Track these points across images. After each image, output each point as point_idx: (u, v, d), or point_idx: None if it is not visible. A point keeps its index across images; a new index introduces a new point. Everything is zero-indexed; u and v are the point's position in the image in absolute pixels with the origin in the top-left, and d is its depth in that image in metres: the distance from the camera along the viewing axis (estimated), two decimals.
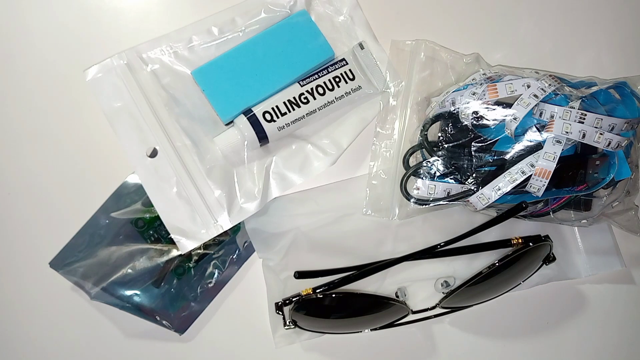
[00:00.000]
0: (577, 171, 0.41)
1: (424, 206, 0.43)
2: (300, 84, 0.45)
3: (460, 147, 0.42)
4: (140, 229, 0.45)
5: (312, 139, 0.46)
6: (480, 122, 0.41)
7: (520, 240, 0.43)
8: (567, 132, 0.39)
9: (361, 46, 0.46)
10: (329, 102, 0.45)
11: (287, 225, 0.46)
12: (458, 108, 0.42)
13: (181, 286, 0.45)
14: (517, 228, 0.46)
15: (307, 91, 0.45)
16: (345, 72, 0.46)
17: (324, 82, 0.45)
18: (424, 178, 0.42)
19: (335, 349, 0.46)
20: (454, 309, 0.46)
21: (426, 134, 0.43)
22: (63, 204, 0.46)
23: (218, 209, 0.43)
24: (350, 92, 0.46)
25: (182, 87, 0.45)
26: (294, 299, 0.42)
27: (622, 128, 0.40)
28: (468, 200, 0.42)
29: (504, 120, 0.41)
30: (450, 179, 0.42)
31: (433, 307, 0.44)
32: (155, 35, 0.45)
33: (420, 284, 0.46)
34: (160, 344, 0.45)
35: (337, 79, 0.45)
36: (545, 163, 0.39)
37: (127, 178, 0.45)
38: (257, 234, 0.45)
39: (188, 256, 0.45)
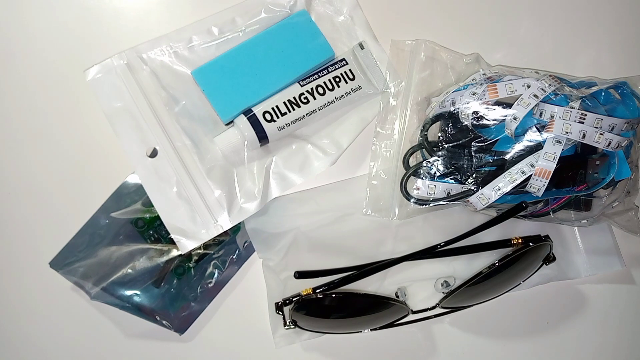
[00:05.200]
0: (577, 171, 0.41)
1: (424, 206, 0.43)
2: (300, 84, 0.45)
3: (460, 147, 0.42)
4: (140, 229, 0.45)
5: (312, 139, 0.46)
6: (480, 122, 0.41)
7: (520, 240, 0.43)
8: (567, 132, 0.39)
9: (361, 46, 0.46)
10: (329, 102, 0.45)
11: (287, 225, 0.46)
12: (458, 108, 0.42)
13: (181, 286, 0.45)
14: (517, 228, 0.46)
15: (307, 91, 0.45)
16: (345, 72, 0.46)
17: (324, 82, 0.45)
18: (424, 178, 0.42)
19: (335, 349, 0.46)
20: (454, 309, 0.46)
21: (426, 134, 0.43)
22: (63, 204, 0.46)
23: (218, 209, 0.43)
24: (350, 92, 0.46)
25: (182, 87, 0.45)
26: (294, 299, 0.42)
27: (622, 128, 0.40)
28: (468, 200, 0.42)
29: (504, 120, 0.41)
30: (450, 179, 0.42)
31: (433, 307, 0.44)
32: (155, 35, 0.45)
33: (420, 284, 0.46)
34: (160, 344, 0.45)
35: (337, 79, 0.45)
36: (545, 163, 0.39)
37: (127, 178, 0.45)
38: (257, 234, 0.45)
39: (188, 256, 0.45)
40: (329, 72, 0.45)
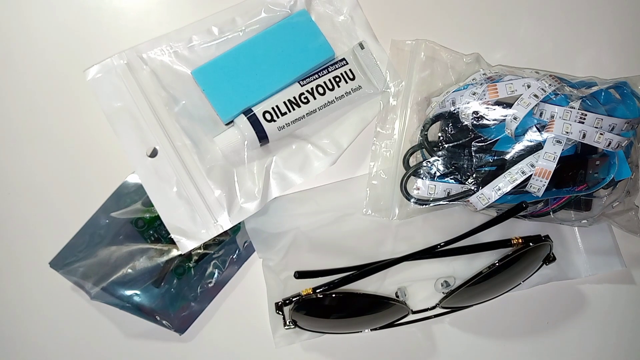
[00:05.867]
0: (577, 171, 0.41)
1: (424, 206, 0.43)
2: (300, 84, 0.45)
3: (461, 147, 0.42)
4: (140, 229, 0.45)
5: (312, 139, 0.46)
6: (480, 122, 0.41)
7: (520, 240, 0.43)
8: (567, 132, 0.39)
9: (361, 46, 0.46)
10: (329, 102, 0.45)
11: (287, 225, 0.46)
12: (458, 108, 0.42)
13: (181, 286, 0.45)
14: (517, 228, 0.46)
15: (307, 91, 0.45)
16: (345, 72, 0.46)
17: (324, 82, 0.45)
18: (424, 178, 0.42)
19: (335, 349, 0.46)
20: (454, 309, 0.46)
21: (426, 134, 0.43)
22: (63, 204, 0.46)
23: (218, 209, 0.43)
24: (350, 92, 0.46)
25: (182, 87, 0.45)
26: (294, 299, 0.42)
27: (623, 128, 0.40)
28: (468, 200, 0.42)
29: (504, 120, 0.41)
30: (451, 179, 0.42)
31: (433, 307, 0.44)
32: (155, 35, 0.45)
33: (420, 284, 0.46)
34: (160, 344, 0.45)
35: (337, 79, 0.45)
36: (545, 163, 0.39)
37: (127, 178, 0.45)
38: (257, 234, 0.45)
39: (188, 256, 0.45)
40: (329, 72, 0.45)
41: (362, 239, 0.46)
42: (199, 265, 0.45)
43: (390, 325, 0.45)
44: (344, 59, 0.46)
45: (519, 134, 0.40)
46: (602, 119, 0.39)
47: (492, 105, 0.41)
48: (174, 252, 0.45)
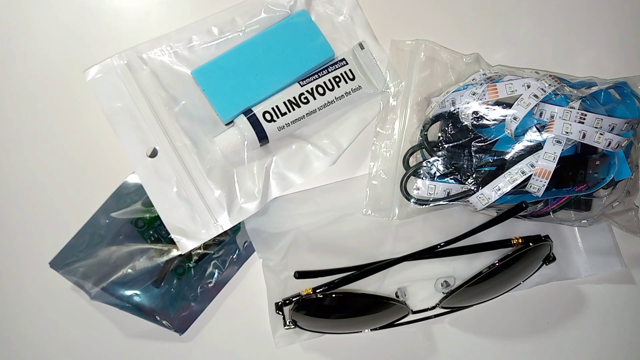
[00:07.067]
0: (577, 171, 0.41)
1: (424, 206, 0.43)
2: (300, 84, 0.45)
3: (460, 147, 0.42)
4: (140, 229, 0.45)
5: (312, 139, 0.46)
6: (480, 122, 0.41)
7: (520, 240, 0.43)
8: (567, 132, 0.39)
9: (361, 46, 0.46)
10: (329, 102, 0.45)
11: (287, 225, 0.46)
12: (458, 108, 0.42)
13: (181, 286, 0.45)
14: (517, 228, 0.46)
15: (307, 91, 0.45)
16: (345, 72, 0.46)
17: (324, 82, 0.45)
18: (424, 178, 0.42)
19: (335, 349, 0.46)
20: (454, 309, 0.46)
21: (426, 134, 0.43)
22: (63, 204, 0.46)
23: (218, 209, 0.43)
24: (350, 92, 0.46)
25: (182, 87, 0.45)
26: (294, 299, 0.42)
27: (622, 128, 0.40)
28: (468, 201, 0.42)
29: (504, 120, 0.41)
30: (450, 179, 0.42)
31: (433, 307, 0.44)
32: (155, 35, 0.45)
33: (420, 284, 0.46)
34: (160, 344, 0.45)
35: (337, 79, 0.45)
36: (545, 163, 0.39)
37: (127, 178, 0.45)
38: (257, 234, 0.45)
39: (188, 256, 0.45)
40: (329, 72, 0.45)
41: (362, 239, 0.46)
42: (199, 265, 0.45)
43: (390, 325, 0.45)
44: (343, 59, 0.46)
45: (519, 134, 0.40)
46: (602, 119, 0.39)
47: (492, 105, 0.41)
48: (174, 252, 0.45)
